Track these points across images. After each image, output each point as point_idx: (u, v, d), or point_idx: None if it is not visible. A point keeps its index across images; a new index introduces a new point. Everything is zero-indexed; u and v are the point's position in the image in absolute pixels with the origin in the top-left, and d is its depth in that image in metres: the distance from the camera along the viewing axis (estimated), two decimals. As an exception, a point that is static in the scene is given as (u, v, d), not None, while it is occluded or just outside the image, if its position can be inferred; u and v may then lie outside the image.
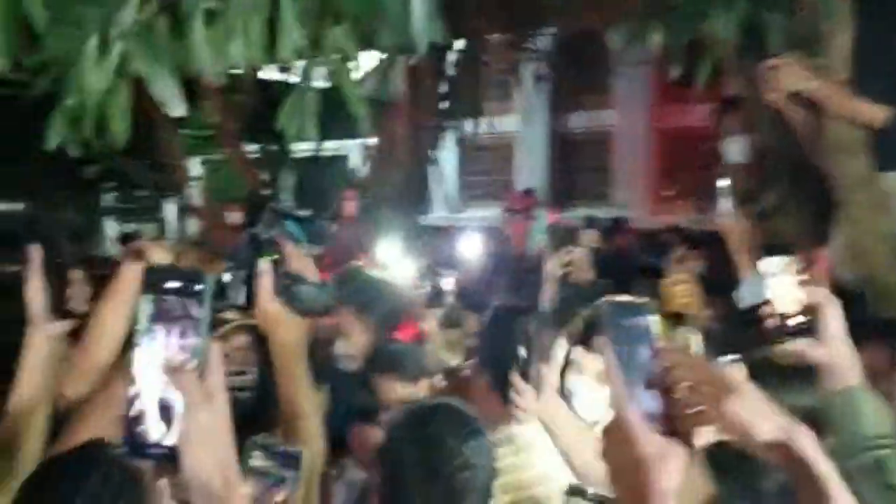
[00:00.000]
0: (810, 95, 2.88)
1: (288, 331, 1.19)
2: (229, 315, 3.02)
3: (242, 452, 1.00)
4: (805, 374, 1.75)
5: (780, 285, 1.31)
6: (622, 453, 0.93)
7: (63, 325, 1.29)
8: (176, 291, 0.85)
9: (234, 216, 7.07)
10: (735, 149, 3.59)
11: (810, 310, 1.28)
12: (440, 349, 2.62)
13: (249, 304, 1.15)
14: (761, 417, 0.95)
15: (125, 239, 6.70)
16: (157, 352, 0.84)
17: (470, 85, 8.25)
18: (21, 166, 6.58)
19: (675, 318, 2.57)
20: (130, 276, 1.36)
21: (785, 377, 1.71)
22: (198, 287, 0.86)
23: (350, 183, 7.85)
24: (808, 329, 1.28)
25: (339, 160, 9.65)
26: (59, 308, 1.37)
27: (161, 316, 0.85)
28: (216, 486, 0.81)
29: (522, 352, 1.79)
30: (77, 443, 1.10)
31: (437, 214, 8.67)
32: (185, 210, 8.46)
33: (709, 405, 0.96)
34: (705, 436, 1.22)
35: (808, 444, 0.94)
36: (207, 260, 1.64)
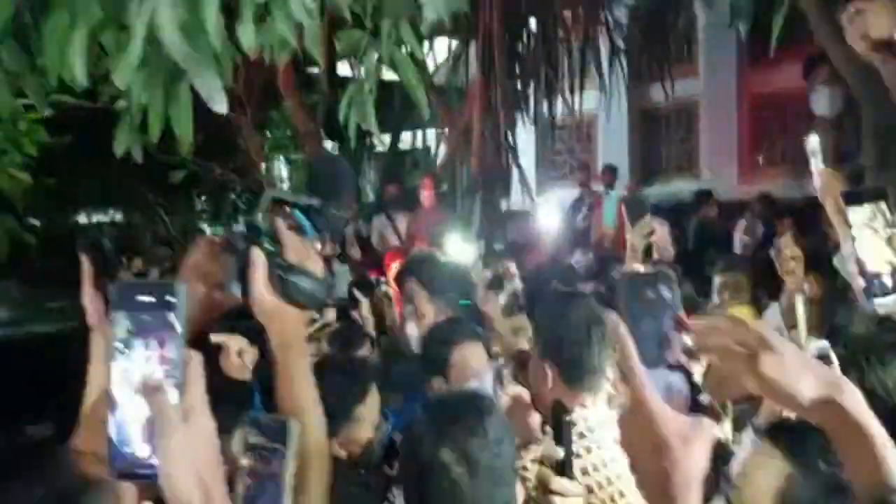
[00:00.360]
0: None
1: (284, 323, 1.11)
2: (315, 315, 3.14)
3: (237, 429, 0.99)
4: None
5: (870, 238, 1.19)
6: (642, 438, 0.87)
7: None
8: (150, 306, 0.84)
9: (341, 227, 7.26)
10: (823, 101, 3.39)
11: None
12: (504, 334, 2.59)
13: (244, 294, 1.10)
14: (801, 375, 0.87)
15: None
16: (136, 368, 0.83)
17: (545, 64, 8.13)
18: (110, 176, 6.92)
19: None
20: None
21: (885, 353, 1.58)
22: (171, 299, 0.84)
23: (427, 172, 7.87)
24: None
25: (420, 152, 9.71)
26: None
27: (140, 330, 0.83)
28: (195, 500, 0.80)
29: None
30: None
31: (517, 199, 8.58)
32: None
33: (742, 369, 0.88)
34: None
35: (854, 400, 0.87)
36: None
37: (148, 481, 0.82)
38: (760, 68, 9.59)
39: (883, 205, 1.21)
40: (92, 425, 1.10)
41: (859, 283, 1.20)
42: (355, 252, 6.99)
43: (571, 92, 8.29)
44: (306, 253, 1.13)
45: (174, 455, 0.81)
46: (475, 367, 2.34)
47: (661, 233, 3.67)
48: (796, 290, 2.66)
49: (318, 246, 1.16)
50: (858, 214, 1.22)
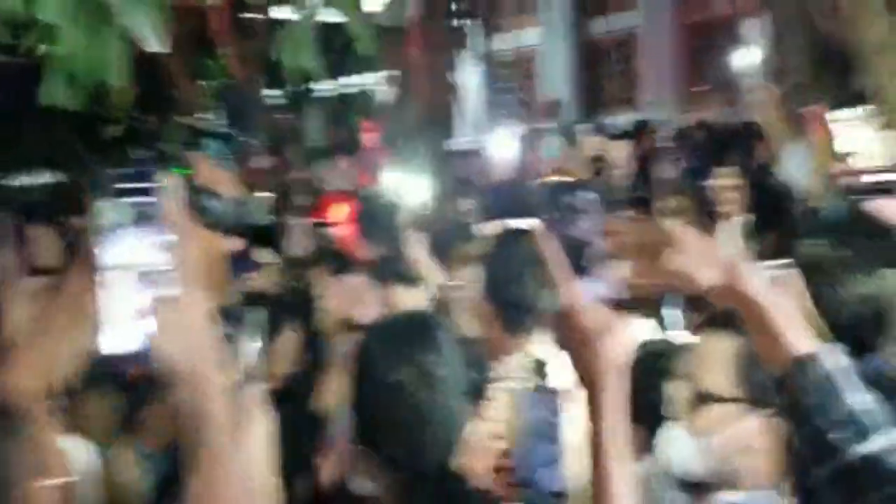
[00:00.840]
0: None
1: (201, 245, 1.08)
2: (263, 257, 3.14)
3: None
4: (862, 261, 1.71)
5: (856, 138, 1.19)
6: (573, 333, 0.94)
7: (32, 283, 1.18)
8: (139, 192, 0.89)
9: (262, 160, 7.15)
10: (755, 29, 3.48)
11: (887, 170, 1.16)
12: (434, 280, 2.59)
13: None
14: (701, 265, 0.92)
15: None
16: (128, 253, 0.87)
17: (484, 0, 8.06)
18: (39, 132, 6.65)
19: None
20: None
21: (841, 265, 1.66)
22: (160, 184, 0.90)
23: (369, 114, 7.81)
24: (889, 189, 1.16)
25: (363, 95, 9.59)
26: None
27: (140, 219, 0.88)
28: (191, 374, 0.84)
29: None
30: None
31: (464, 138, 8.60)
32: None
33: (651, 264, 0.94)
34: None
35: (752, 284, 0.91)
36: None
37: (137, 358, 0.87)
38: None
39: (872, 106, 1.19)
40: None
41: (838, 182, 1.19)
42: (304, 199, 6.96)
43: (513, 28, 8.26)
44: (216, 176, 1.14)
45: (166, 325, 0.84)
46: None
47: (619, 153, 3.77)
48: (735, 214, 2.79)
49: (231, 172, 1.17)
50: (847, 114, 1.20)
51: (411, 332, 1.34)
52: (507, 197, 2.73)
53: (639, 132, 7.82)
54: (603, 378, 0.92)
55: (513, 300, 1.84)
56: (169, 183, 1.10)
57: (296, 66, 2.80)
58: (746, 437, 1.25)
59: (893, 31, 2.81)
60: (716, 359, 1.29)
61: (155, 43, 1.75)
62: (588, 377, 0.94)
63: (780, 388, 0.89)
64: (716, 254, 0.93)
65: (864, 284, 1.64)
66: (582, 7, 8.90)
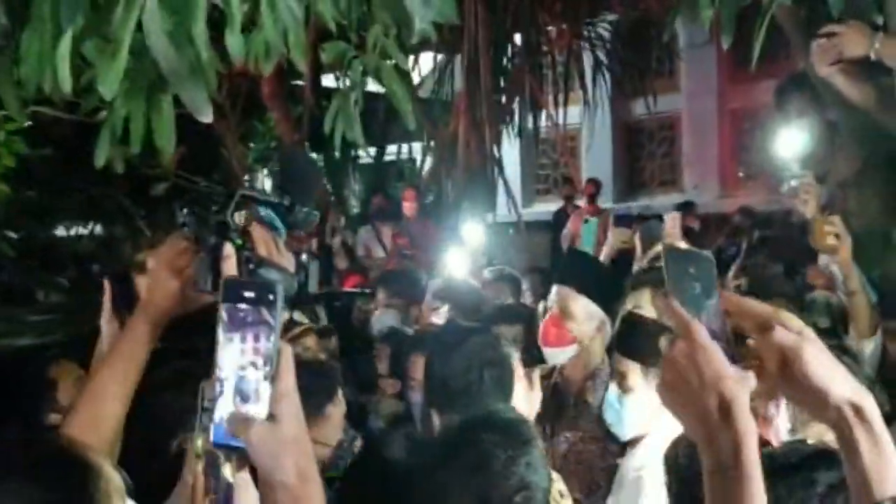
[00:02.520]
0: (879, 57, 2.72)
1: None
2: (297, 317, 3.12)
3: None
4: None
5: None
6: (697, 375, 0.84)
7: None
8: (251, 301, 0.89)
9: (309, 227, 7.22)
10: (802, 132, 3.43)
11: None
12: None
13: (215, 289, 1.10)
14: (835, 373, 0.86)
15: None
16: (234, 356, 0.89)
17: (529, 79, 8.17)
18: (92, 189, 6.83)
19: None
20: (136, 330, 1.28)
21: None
22: (271, 296, 0.90)
23: (411, 184, 7.87)
24: None
25: (405, 163, 9.71)
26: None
27: (235, 323, 0.89)
28: (290, 480, 0.87)
29: None
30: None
31: (502, 212, 8.60)
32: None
33: (774, 355, 0.86)
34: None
35: (875, 408, 0.86)
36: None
37: (244, 452, 0.89)
38: (740, 84, 9.70)
39: None
40: (86, 417, 1.21)
41: None
42: (341, 262, 6.97)
43: (555, 106, 8.34)
44: (276, 248, 1.14)
45: (264, 447, 0.87)
46: (419, 380, 2.31)
47: (674, 223, 3.71)
48: None
49: (290, 243, 1.17)
50: None
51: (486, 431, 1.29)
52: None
53: (683, 213, 7.75)
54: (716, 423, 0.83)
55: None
56: (227, 253, 1.09)
57: (341, 134, 2.80)
58: None
59: None
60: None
61: (205, 114, 1.75)
62: (705, 425, 0.84)
63: None
64: (843, 368, 0.87)
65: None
66: (622, 88, 8.97)
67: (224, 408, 0.89)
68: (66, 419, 1.28)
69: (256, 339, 0.90)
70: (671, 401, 0.88)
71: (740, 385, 0.84)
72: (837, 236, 2.45)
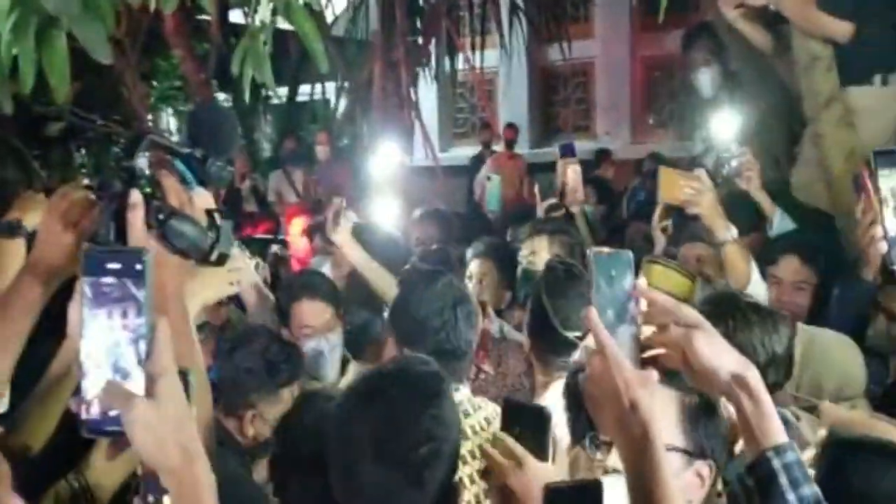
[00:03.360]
0: (777, 7, 2.81)
1: (164, 271, 1.03)
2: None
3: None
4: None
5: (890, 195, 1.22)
6: (608, 385, 1.01)
7: None
8: (115, 273, 0.83)
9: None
10: (706, 80, 3.55)
11: None
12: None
13: (119, 240, 1.02)
14: (723, 353, 1.05)
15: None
16: (101, 335, 0.83)
17: (446, 21, 8.04)
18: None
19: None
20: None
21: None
22: (138, 266, 0.84)
23: (325, 126, 7.69)
24: None
25: (319, 104, 9.46)
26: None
27: (100, 300, 0.83)
28: (174, 462, 0.83)
29: None
30: None
31: (419, 156, 8.54)
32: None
33: (676, 342, 1.04)
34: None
35: (757, 375, 1.05)
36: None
37: (120, 436, 0.85)
38: (651, 31, 9.85)
39: None
40: None
41: (881, 248, 1.24)
42: (251, 207, 6.80)
43: (472, 49, 8.26)
44: (188, 200, 1.07)
45: (139, 426, 0.82)
46: (312, 326, 2.33)
47: (574, 175, 3.77)
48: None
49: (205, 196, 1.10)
50: (889, 180, 1.24)
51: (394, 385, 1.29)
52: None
53: (599, 161, 7.92)
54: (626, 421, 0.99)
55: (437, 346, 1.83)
56: (134, 201, 1.01)
57: (250, 77, 2.69)
58: (689, 489, 1.28)
59: (837, 87, 2.87)
60: (661, 409, 1.29)
61: (103, 55, 1.64)
62: (616, 424, 1.00)
63: (751, 469, 1.04)
64: (731, 348, 1.06)
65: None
66: (539, 32, 8.96)
67: (93, 389, 0.83)
68: None
69: (124, 315, 0.84)
70: (591, 405, 1.05)
71: (643, 386, 1.01)
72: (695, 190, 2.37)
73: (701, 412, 1.21)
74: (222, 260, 1.09)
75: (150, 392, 0.83)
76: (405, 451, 1.20)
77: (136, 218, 1.02)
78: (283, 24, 2.72)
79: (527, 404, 1.36)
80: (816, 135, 2.88)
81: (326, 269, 3.18)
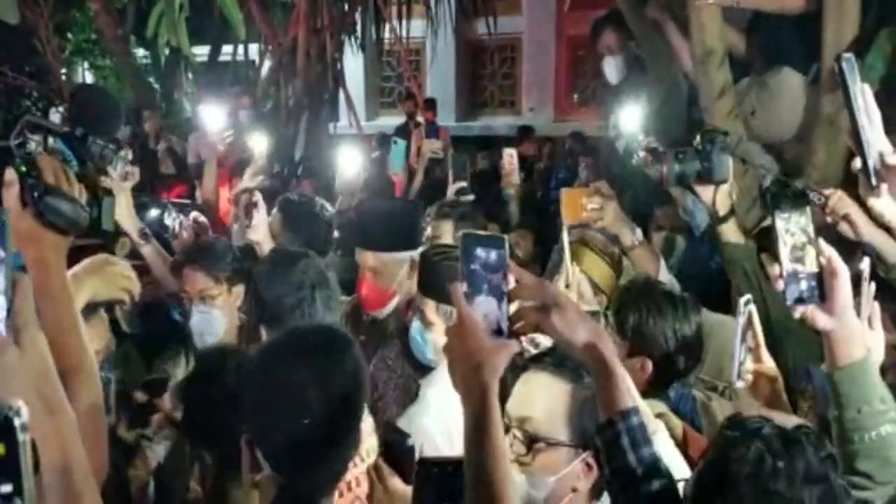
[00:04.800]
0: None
1: (39, 244, 1.08)
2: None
3: None
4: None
5: (790, 237, 1.24)
6: (461, 347, 1.13)
7: None
8: None
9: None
10: (611, 69, 3.68)
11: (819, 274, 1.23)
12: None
13: None
14: (577, 326, 1.15)
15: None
16: None
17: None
18: None
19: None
20: None
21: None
22: None
23: (247, 88, 7.54)
24: (819, 294, 1.23)
25: (242, 66, 9.26)
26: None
27: None
28: (38, 413, 0.86)
29: None
30: None
31: (343, 123, 8.51)
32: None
33: (537, 318, 1.15)
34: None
35: (609, 346, 1.16)
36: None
37: None
38: (577, 10, 10.03)
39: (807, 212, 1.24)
40: None
41: (778, 285, 1.24)
42: (167, 168, 6.64)
43: (399, 18, 8.24)
44: (65, 178, 1.10)
45: (5, 373, 0.86)
46: (188, 292, 2.39)
47: (510, 160, 3.84)
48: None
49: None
50: (786, 222, 1.24)
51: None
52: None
53: (522, 138, 8.06)
54: (485, 388, 1.12)
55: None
56: (9, 179, 1.04)
57: (167, 35, 2.68)
58: (577, 478, 1.37)
59: (729, 80, 3.03)
60: (552, 403, 1.41)
61: (11, 17, 1.63)
62: (466, 385, 1.13)
63: (600, 430, 1.15)
64: (586, 319, 1.17)
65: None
66: (466, 6, 8.98)
67: None
68: None
69: None
70: (449, 365, 1.16)
71: (495, 352, 1.13)
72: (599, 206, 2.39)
73: (593, 404, 1.24)
74: (103, 234, 1.14)
75: (14, 343, 0.88)
76: (331, 401, 1.25)
77: (11, 195, 1.05)
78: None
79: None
80: (708, 125, 3.05)
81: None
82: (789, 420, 1.18)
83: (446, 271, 1.98)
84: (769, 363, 1.45)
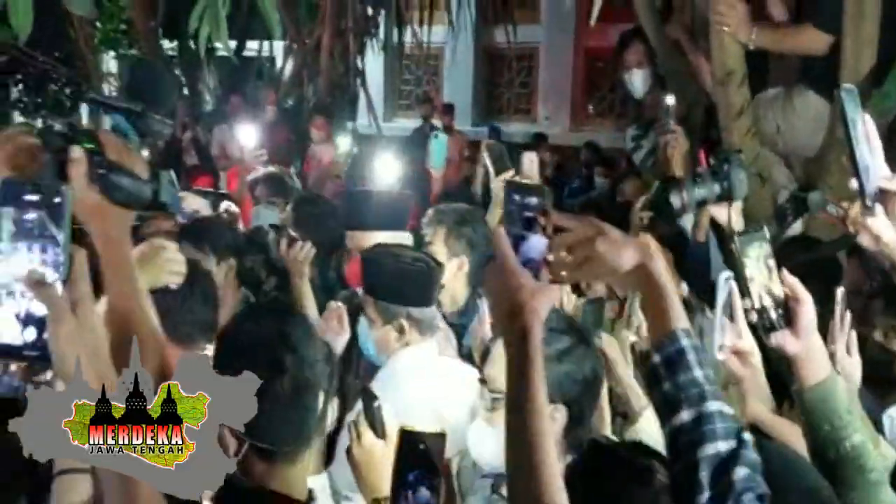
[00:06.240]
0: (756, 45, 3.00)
1: (105, 220, 1.09)
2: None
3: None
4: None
5: (755, 271, 1.28)
6: (500, 287, 1.10)
7: None
8: (35, 205, 0.89)
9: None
10: (637, 83, 3.74)
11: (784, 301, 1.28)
12: None
13: None
14: (624, 249, 1.11)
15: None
16: (18, 265, 0.90)
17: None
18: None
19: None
20: None
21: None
22: (56, 199, 0.90)
23: (271, 84, 7.66)
24: (785, 321, 1.28)
25: (266, 62, 9.38)
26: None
27: (22, 234, 0.89)
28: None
29: None
30: None
31: (362, 122, 8.63)
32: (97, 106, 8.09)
33: (583, 252, 1.12)
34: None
35: (660, 265, 1.12)
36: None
37: (35, 362, 0.93)
38: (596, 23, 10.12)
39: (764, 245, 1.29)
40: None
41: (751, 318, 1.29)
42: (191, 159, 6.77)
43: (420, 23, 8.36)
44: (127, 153, 1.13)
45: (63, 340, 0.90)
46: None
47: (530, 165, 3.85)
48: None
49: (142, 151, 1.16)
50: (755, 249, 1.29)
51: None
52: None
53: (537, 145, 8.17)
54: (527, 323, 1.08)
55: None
56: (75, 156, 1.07)
57: (208, 31, 2.79)
58: None
59: (748, 100, 3.12)
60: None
61: (84, 9, 1.74)
62: (507, 323, 1.09)
63: (659, 347, 1.09)
64: (631, 241, 1.14)
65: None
66: (486, 13, 9.07)
67: (6, 317, 0.89)
68: None
69: (43, 250, 0.90)
70: (489, 301, 1.13)
71: (534, 293, 1.09)
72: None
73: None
74: (164, 206, 1.17)
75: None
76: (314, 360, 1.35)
77: (78, 172, 1.07)
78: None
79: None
80: (727, 143, 3.14)
81: (273, 218, 3.34)
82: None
83: (385, 269, 2.11)
84: (748, 339, 1.48)
